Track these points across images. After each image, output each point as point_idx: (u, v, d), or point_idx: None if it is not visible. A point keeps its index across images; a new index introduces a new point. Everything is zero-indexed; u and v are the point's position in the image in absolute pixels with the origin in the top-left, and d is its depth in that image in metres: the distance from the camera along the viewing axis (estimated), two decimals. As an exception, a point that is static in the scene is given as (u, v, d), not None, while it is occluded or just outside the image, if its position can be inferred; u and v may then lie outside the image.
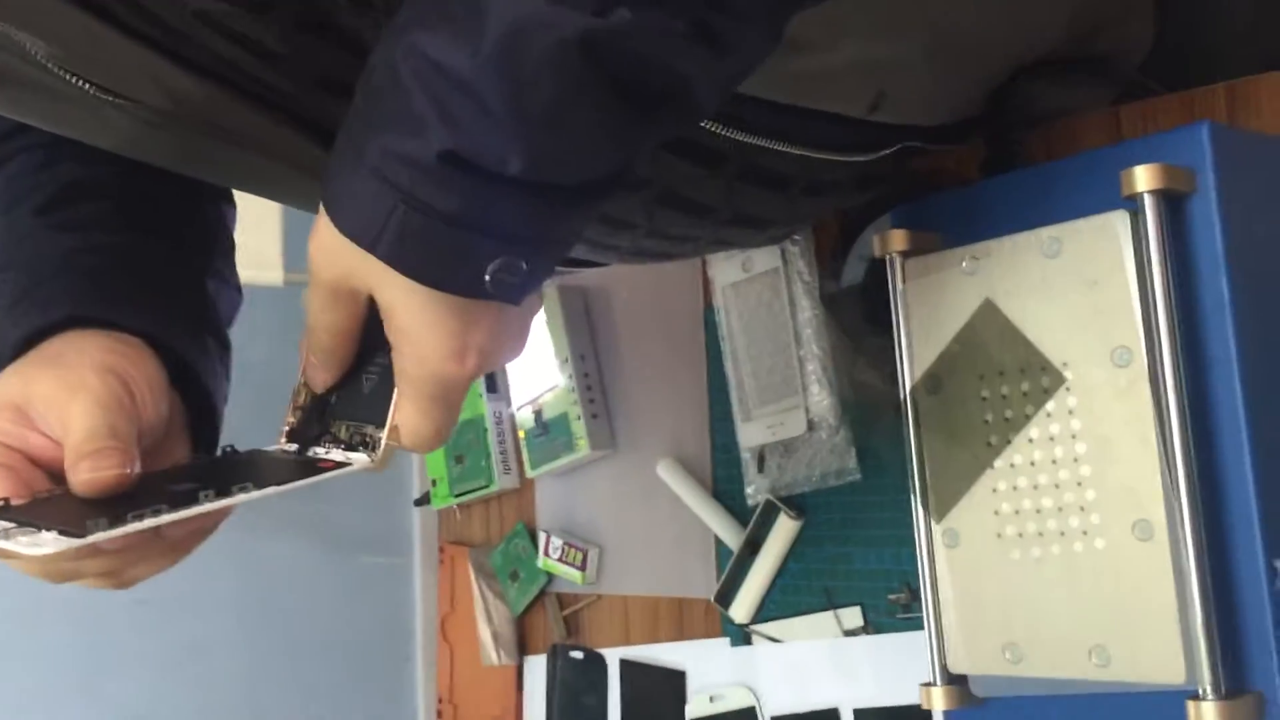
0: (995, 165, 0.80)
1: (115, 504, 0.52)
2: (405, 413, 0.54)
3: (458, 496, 1.35)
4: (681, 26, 0.45)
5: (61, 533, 0.49)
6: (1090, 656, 0.66)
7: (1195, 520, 0.62)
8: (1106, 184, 0.66)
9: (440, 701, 1.43)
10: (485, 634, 1.31)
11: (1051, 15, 0.76)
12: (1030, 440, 0.69)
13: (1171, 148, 0.65)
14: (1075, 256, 0.67)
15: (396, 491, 1.68)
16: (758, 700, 1.03)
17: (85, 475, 0.53)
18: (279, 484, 0.54)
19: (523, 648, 1.30)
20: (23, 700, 1.46)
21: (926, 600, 0.73)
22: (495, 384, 1.29)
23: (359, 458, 0.56)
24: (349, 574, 1.72)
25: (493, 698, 1.33)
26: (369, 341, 0.55)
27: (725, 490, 1.07)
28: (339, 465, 0.56)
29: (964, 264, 0.71)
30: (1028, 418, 0.69)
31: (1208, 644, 0.61)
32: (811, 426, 0.96)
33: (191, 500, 0.52)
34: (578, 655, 1.22)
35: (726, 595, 1.05)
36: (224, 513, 0.55)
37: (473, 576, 1.34)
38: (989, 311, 0.70)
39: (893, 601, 0.94)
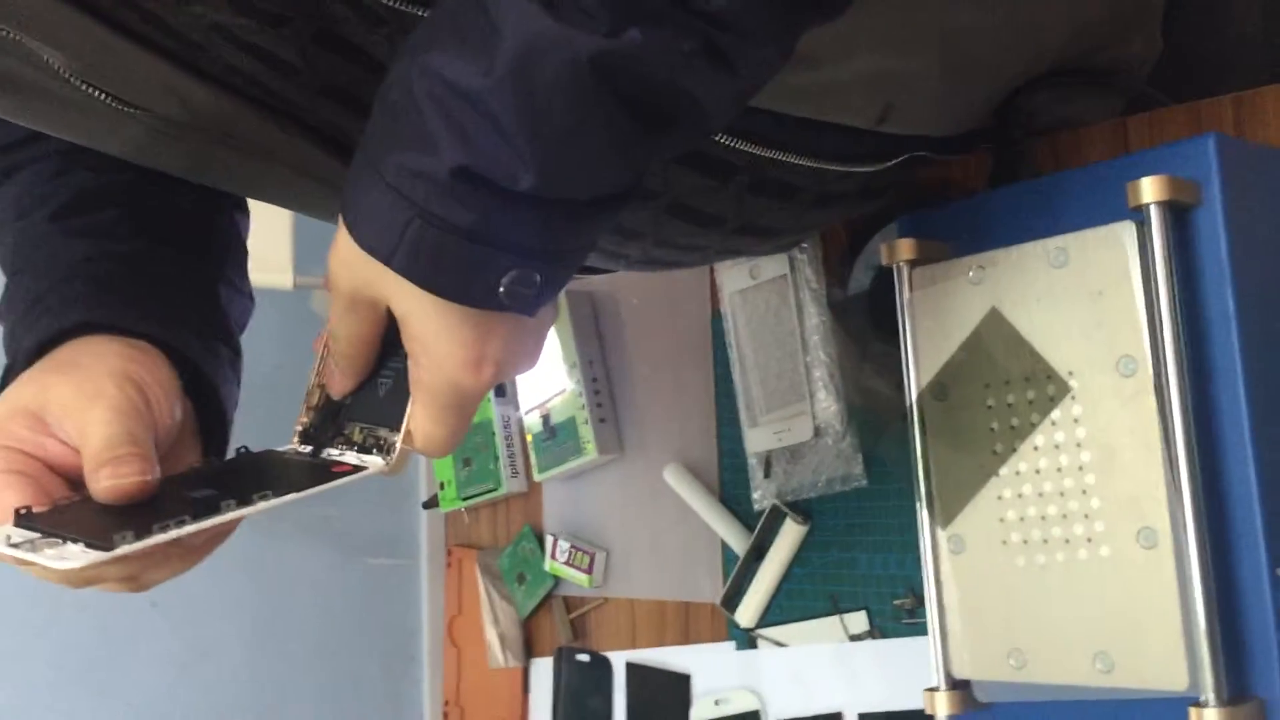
0: (1002, 176, 0.81)
1: (136, 511, 0.53)
2: (419, 419, 0.55)
3: (465, 499, 1.36)
4: (691, 47, 0.46)
5: (88, 545, 0.50)
6: (1094, 663, 0.66)
7: (1199, 528, 0.63)
8: (1113, 195, 0.66)
9: (446, 704, 1.44)
10: (492, 636, 1.32)
11: (1059, 28, 0.77)
12: (1035, 448, 0.69)
13: (1178, 160, 0.65)
14: (1081, 267, 0.67)
15: (404, 495, 1.69)
16: (762, 704, 1.04)
17: (106, 483, 0.54)
18: (298, 490, 0.54)
19: (529, 650, 1.30)
20: (36, 700, 1.47)
21: (931, 606, 0.74)
22: (504, 388, 1.30)
23: (374, 461, 0.56)
24: (357, 577, 1.73)
25: (499, 700, 1.33)
26: (384, 345, 0.55)
27: (732, 495, 1.08)
28: (354, 469, 0.56)
29: (970, 273, 0.72)
30: (1033, 426, 0.69)
31: (1210, 651, 0.62)
32: (818, 432, 0.97)
33: (214, 510, 0.52)
34: (584, 658, 1.22)
35: (732, 599, 1.06)
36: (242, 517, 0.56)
37: (480, 579, 1.35)
38: (995, 320, 0.71)
39: (898, 606, 0.94)
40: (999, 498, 0.71)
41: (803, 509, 1.00)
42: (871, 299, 0.93)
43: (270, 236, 1.72)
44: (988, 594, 0.71)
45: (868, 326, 0.93)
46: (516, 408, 1.28)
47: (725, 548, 1.08)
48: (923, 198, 0.85)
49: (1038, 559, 0.69)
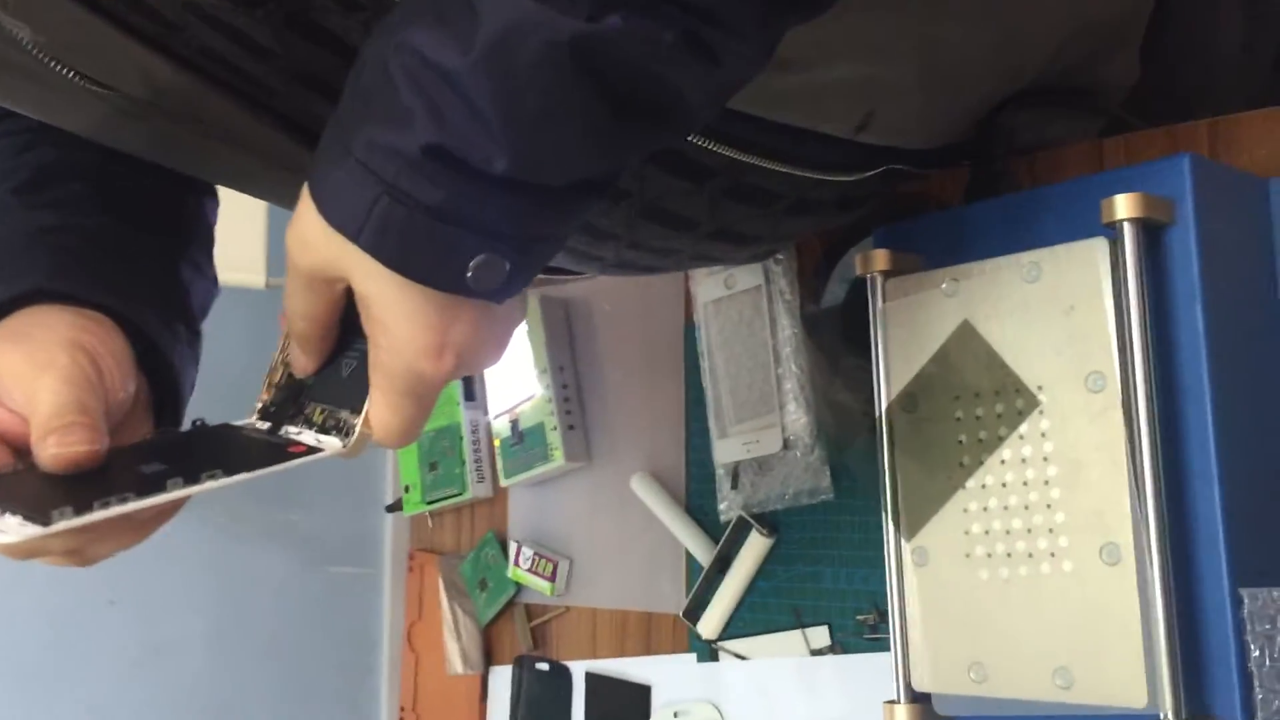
0: (979, 191, 0.81)
1: (80, 483, 0.52)
2: (376, 405, 0.53)
3: (430, 504, 1.35)
4: (672, 37, 0.46)
5: (26, 518, 0.49)
6: (1054, 678, 0.66)
7: (1162, 546, 0.63)
8: (1088, 212, 0.67)
9: (403, 710, 1.42)
10: (451, 643, 1.31)
11: (1040, 46, 0.77)
12: (1002, 462, 0.69)
13: (1153, 178, 0.66)
14: (1054, 282, 0.67)
15: (368, 500, 1.68)
16: (722, 717, 1.03)
17: (52, 450, 0.53)
18: (250, 470, 0.53)
19: (488, 658, 1.30)
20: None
21: (893, 617, 0.73)
22: (473, 392, 1.30)
23: (331, 442, 0.55)
24: (318, 582, 1.72)
25: (456, 707, 1.32)
26: (350, 326, 0.55)
27: (698, 506, 1.08)
28: (310, 450, 0.55)
29: (944, 285, 0.72)
30: (1001, 439, 0.69)
31: (1171, 669, 0.62)
32: (787, 445, 0.96)
33: (159, 487, 0.51)
34: (543, 667, 1.22)
35: (695, 611, 1.05)
36: (189, 496, 0.55)
37: (441, 585, 1.34)
38: (967, 333, 0.71)
39: (860, 622, 0.94)
40: (965, 510, 0.71)
41: (769, 521, 1.00)
42: (845, 312, 0.93)
43: (243, 236, 1.71)
44: (950, 607, 0.71)
45: (840, 340, 0.93)
46: (485, 412, 1.28)
47: (690, 558, 1.08)
48: (900, 212, 0.85)
49: (1001, 573, 0.69)
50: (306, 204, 0.50)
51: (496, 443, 1.24)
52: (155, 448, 0.58)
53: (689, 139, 0.67)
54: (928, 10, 0.69)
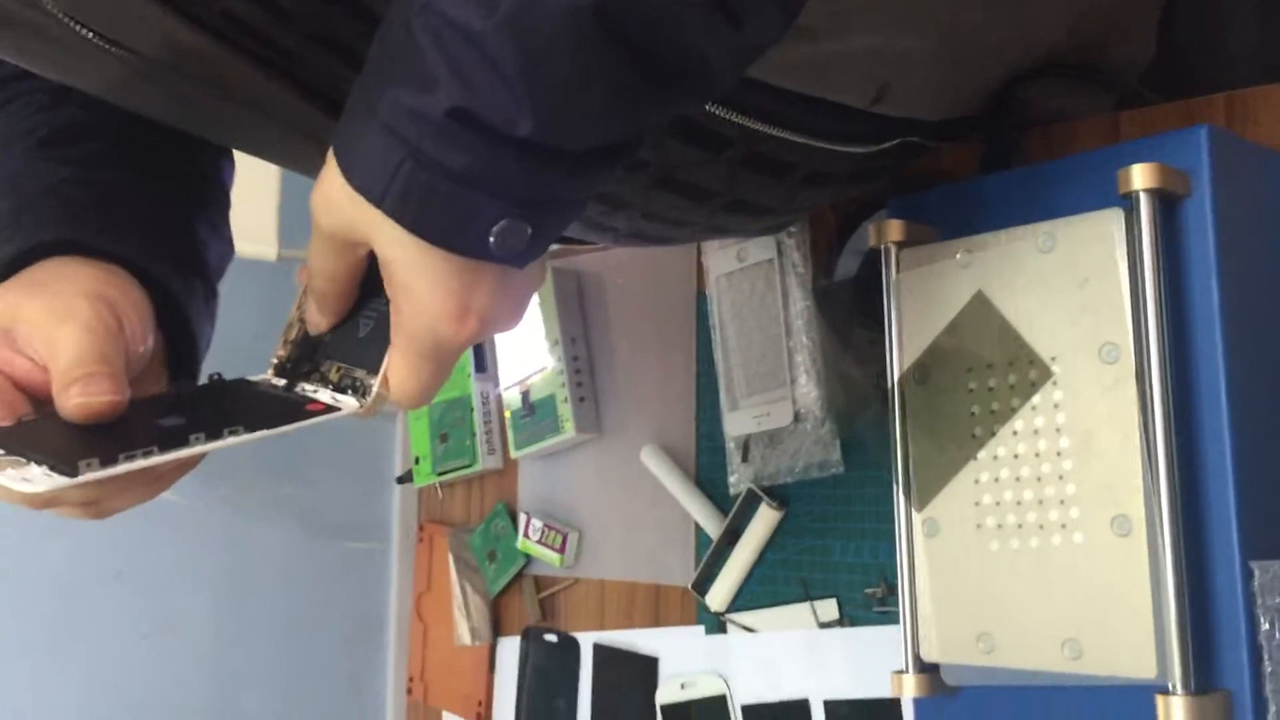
0: (993, 164, 0.81)
1: (102, 435, 0.52)
2: (395, 366, 0.54)
3: (440, 475, 1.35)
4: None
5: (52, 468, 0.49)
6: (1062, 649, 0.66)
7: (1174, 518, 0.63)
8: (1103, 183, 0.66)
9: (411, 680, 1.43)
10: (459, 617, 1.31)
11: (1056, 19, 0.77)
12: (1014, 433, 0.69)
13: (1169, 149, 0.65)
14: (1069, 253, 0.67)
15: (377, 474, 1.69)
16: (729, 689, 1.04)
17: (76, 400, 0.53)
18: (269, 427, 0.54)
19: (497, 629, 1.30)
20: (-3, 665, 1.46)
21: (902, 588, 0.74)
22: (484, 363, 1.30)
23: (348, 402, 0.55)
24: (326, 556, 1.72)
25: (464, 677, 1.33)
26: (369, 286, 0.55)
27: (708, 479, 1.08)
28: (328, 408, 0.55)
29: (958, 256, 0.72)
30: (1013, 410, 0.69)
31: (1180, 640, 0.62)
32: (798, 418, 0.97)
33: (182, 442, 0.51)
34: (551, 638, 1.22)
35: (704, 583, 1.06)
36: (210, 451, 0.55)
37: (450, 560, 1.35)
38: (981, 304, 0.71)
39: (869, 595, 0.94)
40: (976, 482, 0.71)
41: (779, 494, 1.00)
42: (857, 285, 0.93)
43: (255, 207, 1.71)
44: (960, 578, 0.71)
45: (851, 314, 0.93)
46: (496, 384, 1.28)
47: (699, 531, 1.08)
48: (913, 185, 0.85)
49: (1011, 544, 0.69)
50: (331, 167, 0.50)
51: (507, 414, 1.24)
52: (173, 401, 0.58)
53: (706, 108, 0.67)
54: None
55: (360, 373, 0.55)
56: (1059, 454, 0.67)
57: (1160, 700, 0.62)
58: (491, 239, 0.49)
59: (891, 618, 0.92)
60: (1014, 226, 0.70)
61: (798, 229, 0.97)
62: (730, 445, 1.02)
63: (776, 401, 0.98)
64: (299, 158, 0.73)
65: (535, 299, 1.19)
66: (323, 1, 0.58)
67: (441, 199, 0.48)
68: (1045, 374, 0.68)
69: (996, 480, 0.70)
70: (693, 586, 1.06)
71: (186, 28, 0.59)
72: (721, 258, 1.03)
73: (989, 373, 0.70)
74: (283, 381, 0.59)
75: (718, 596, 1.04)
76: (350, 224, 0.51)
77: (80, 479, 0.48)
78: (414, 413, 1.42)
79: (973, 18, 0.72)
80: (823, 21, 0.65)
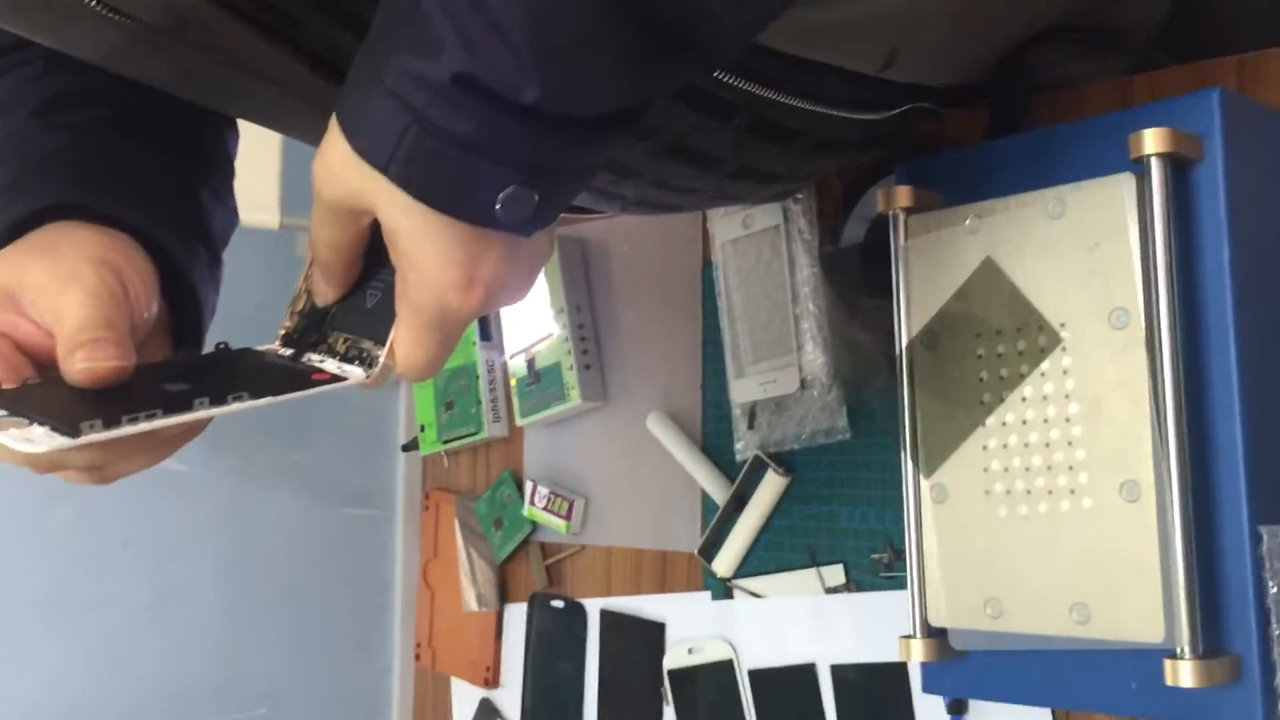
0: (1002, 129, 0.80)
1: (106, 399, 0.52)
2: (401, 338, 0.53)
3: (446, 443, 1.35)
4: None
5: (54, 428, 0.49)
6: (1070, 613, 0.67)
7: (1183, 483, 0.63)
8: (1114, 148, 0.66)
9: (418, 645, 1.44)
10: (466, 584, 1.32)
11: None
12: (1023, 399, 0.69)
13: (1181, 113, 0.65)
14: (1079, 218, 0.67)
15: (382, 441, 1.69)
16: (736, 654, 1.04)
17: (81, 365, 0.53)
18: (273, 395, 0.53)
19: (503, 595, 1.31)
20: (1, 635, 1.46)
21: (911, 553, 0.74)
22: (489, 331, 1.30)
23: (355, 372, 0.55)
24: (331, 524, 1.72)
25: (471, 643, 1.33)
26: (375, 256, 0.55)
27: (714, 445, 1.08)
28: (334, 378, 0.55)
29: (967, 222, 0.72)
30: (1022, 376, 0.69)
31: (1188, 604, 0.62)
32: (804, 384, 0.97)
33: (185, 406, 0.51)
34: (558, 604, 1.23)
35: (710, 549, 1.06)
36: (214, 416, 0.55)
37: (456, 526, 1.35)
38: (989, 270, 0.71)
39: (875, 561, 0.95)
40: (984, 448, 0.71)
41: (785, 461, 1.00)
42: (863, 252, 0.93)
43: (257, 176, 1.70)
44: (968, 543, 0.72)
45: (858, 280, 0.93)
46: (501, 352, 1.28)
47: (705, 498, 1.08)
48: (920, 152, 0.85)
49: (1020, 509, 0.69)
50: (334, 133, 0.49)
51: (513, 382, 1.24)
52: (178, 368, 0.58)
53: (714, 74, 0.66)
54: None
55: (367, 344, 0.55)
56: (1068, 420, 0.67)
57: (1168, 664, 0.62)
58: (498, 206, 0.48)
59: (898, 583, 0.93)
60: (1023, 192, 0.69)
61: (804, 195, 0.97)
62: (736, 412, 1.02)
63: (783, 368, 0.98)
64: (301, 125, 0.72)
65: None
66: None
67: (447, 166, 0.47)
68: (1054, 340, 0.68)
69: (1005, 446, 0.70)
70: (699, 552, 1.07)
71: None
72: (727, 224, 1.03)
73: (998, 339, 0.70)
74: (289, 351, 0.58)
75: (724, 562, 1.05)
76: (354, 192, 0.50)
77: (82, 440, 0.48)
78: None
79: (982, -20, 0.71)
80: (832, -15, 0.64)
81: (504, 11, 0.44)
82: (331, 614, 1.69)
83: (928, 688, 0.77)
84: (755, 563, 1.04)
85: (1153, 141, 0.63)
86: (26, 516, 1.49)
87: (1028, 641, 0.69)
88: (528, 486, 1.24)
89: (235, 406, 0.52)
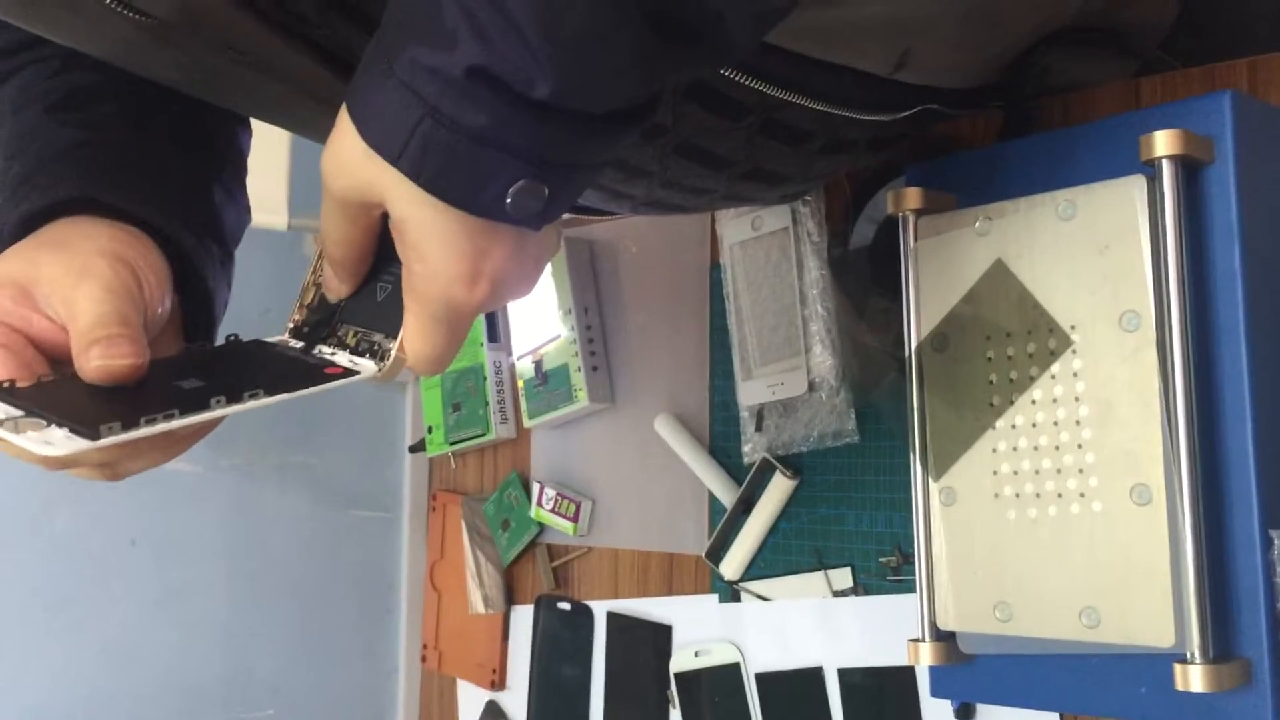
0: (1012, 132, 0.80)
1: (122, 396, 0.52)
2: (410, 331, 0.53)
3: (453, 444, 1.35)
4: None
5: (73, 431, 0.49)
6: (1080, 617, 0.66)
7: (1194, 486, 0.63)
8: (1125, 150, 0.66)
9: (425, 647, 1.44)
10: (472, 586, 1.32)
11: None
12: (1033, 402, 0.69)
13: (1193, 115, 0.65)
14: (1090, 220, 0.67)
15: (389, 443, 1.69)
16: (743, 657, 1.04)
17: (97, 362, 0.52)
18: (289, 391, 0.53)
19: (510, 597, 1.30)
20: (8, 633, 1.46)
21: (919, 557, 0.74)
22: (496, 333, 1.30)
23: (366, 365, 0.55)
24: (338, 525, 1.73)
25: (478, 645, 1.33)
26: (386, 249, 0.54)
27: (722, 448, 1.08)
28: (346, 371, 0.55)
29: (977, 224, 0.72)
30: (1032, 379, 0.69)
31: (1199, 609, 0.62)
32: (812, 387, 0.96)
33: (203, 405, 0.51)
34: (565, 606, 1.22)
35: (717, 552, 1.06)
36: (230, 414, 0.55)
37: (463, 526, 1.35)
38: (1000, 272, 0.70)
39: (883, 564, 0.94)
40: (994, 450, 0.71)
41: (793, 463, 1.00)
42: (873, 253, 0.92)
43: (266, 176, 1.70)
44: (977, 546, 0.71)
45: (867, 282, 0.93)
46: (509, 353, 1.28)
47: (712, 500, 1.08)
48: (930, 154, 0.84)
49: (1029, 513, 0.69)
50: (344, 125, 0.49)
51: (520, 384, 1.24)
52: (190, 362, 0.58)
53: (726, 74, 0.66)
54: None
55: (378, 336, 0.55)
56: (1078, 423, 0.67)
57: (1179, 669, 0.62)
58: (508, 200, 0.48)
59: (906, 586, 0.92)
60: (1034, 194, 0.69)
61: (813, 197, 0.97)
62: (744, 414, 1.02)
63: (791, 370, 0.98)
64: (312, 123, 0.72)
65: (547, 268, 1.18)
66: None
67: (459, 158, 0.47)
68: (1065, 342, 0.68)
69: (1015, 449, 0.70)
70: (706, 555, 1.06)
71: None
72: (735, 226, 1.03)
73: (1008, 341, 0.70)
74: (300, 344, 0.58)
75: (732, 565, 1.04)
76: (364, 184, 0.50)
77: (102, 443, 0.48)
78: (426, 382, 1.42)
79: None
80: (846, -14, 0.64)
81: (517, 4, 0.44)
82: (338, 615, 1.69)
83: (936, 692, 0.76)
84: (762, 565, 1.03)
85: (1164, 143, 0.63)
86: (34, 515, 1.49)
87: (1037, 646, 0.69)
88: (535, 488, 1.24)
89: (251, 404, 0.52)
